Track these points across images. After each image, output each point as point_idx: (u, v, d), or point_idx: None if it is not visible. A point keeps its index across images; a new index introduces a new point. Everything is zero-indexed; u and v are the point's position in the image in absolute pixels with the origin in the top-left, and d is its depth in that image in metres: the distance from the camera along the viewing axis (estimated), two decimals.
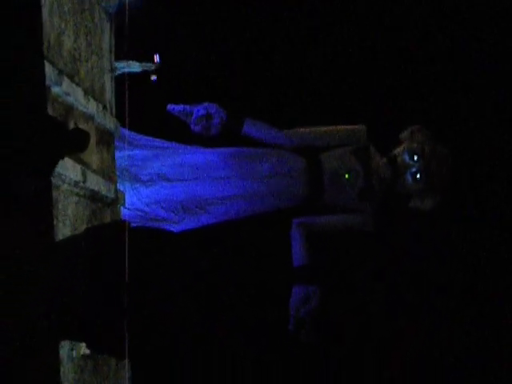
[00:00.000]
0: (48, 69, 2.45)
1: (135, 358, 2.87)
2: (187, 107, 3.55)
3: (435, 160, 3.55)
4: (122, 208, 3.20)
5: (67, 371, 2.48)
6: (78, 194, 2.69)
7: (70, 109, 2.66)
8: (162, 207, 3.49)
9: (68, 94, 2.61)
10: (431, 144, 3.56)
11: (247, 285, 3.68)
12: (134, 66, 3.25)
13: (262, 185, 3.53)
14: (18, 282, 1.91)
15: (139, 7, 2.99)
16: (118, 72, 3.18)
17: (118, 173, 3.21)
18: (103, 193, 2.92)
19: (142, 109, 3.15)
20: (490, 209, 4.04)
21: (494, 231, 4.02)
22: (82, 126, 2.74)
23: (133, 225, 2.88)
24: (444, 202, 3.59)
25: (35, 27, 2.24)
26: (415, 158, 3.55)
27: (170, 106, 3.56)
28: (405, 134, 3.63)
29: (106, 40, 3.14)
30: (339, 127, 3.67)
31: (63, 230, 2.52)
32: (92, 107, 2.85)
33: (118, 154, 3.24)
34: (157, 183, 3.49)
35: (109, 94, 3.13)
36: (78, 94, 2.71)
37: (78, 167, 2.62)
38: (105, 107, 3.04)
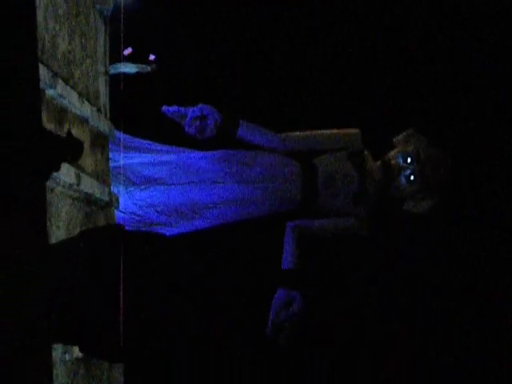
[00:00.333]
0: (42, 71, 2.45)
1: (132, 362, 2.86)
2: (182, 109, 3.54)
3: (430, 162, 3.55)
4: (115, 211, 3.20)
5: (60, 374, 2.48)
6: (71, 197, 2.69)
7: (64, 111, 2.66)
8: (157, 211, 3.49)
9: (62, 97, 2.61)
10: (425, 146, 3.57)
11: (243, 288, 3.68)
12: (129, 67, 3.25)
13: (255, 189, 3.52)
14: (18, 282, 1.90)
15: (135, 9, 3.00)
16: (113, 72, 3.18)
17: (112, 176, 3.20)
18: (97, 196, 2.92)
19: (137, 112, 3.15)
20: (490, 209, 4.04)
21: (493, 231, 4.02)
22: (76, 128, 2.74)
23: (127, 228, 2.87)
24: (439, 204, 3.59)
25: (29, 29, 2.23)
26: (409, 160, 3.56)
27: (164, 108, 3.56)
28: (399, 138, 3.64)
29: (101, 43, 3.14)
30: (333, 131, 3.67)
31: (57, 233, 2.52)
32: (86, 110, 2.85)
33: (112, 156, 3.24)
34: (151, 186, 3.48)
35: (103, 97, 3.14)
36: (72, 97, 2.71)
37: (72, 170, 2.62)
38: (99, 110, 3.05)
